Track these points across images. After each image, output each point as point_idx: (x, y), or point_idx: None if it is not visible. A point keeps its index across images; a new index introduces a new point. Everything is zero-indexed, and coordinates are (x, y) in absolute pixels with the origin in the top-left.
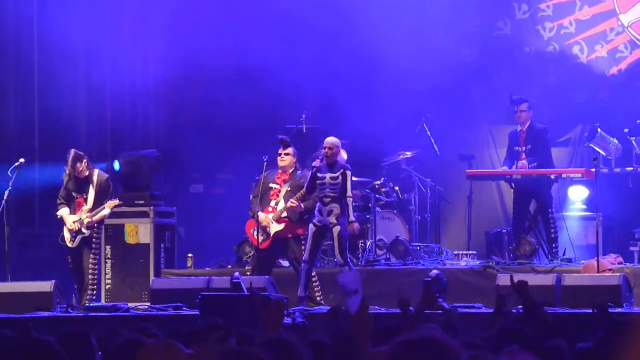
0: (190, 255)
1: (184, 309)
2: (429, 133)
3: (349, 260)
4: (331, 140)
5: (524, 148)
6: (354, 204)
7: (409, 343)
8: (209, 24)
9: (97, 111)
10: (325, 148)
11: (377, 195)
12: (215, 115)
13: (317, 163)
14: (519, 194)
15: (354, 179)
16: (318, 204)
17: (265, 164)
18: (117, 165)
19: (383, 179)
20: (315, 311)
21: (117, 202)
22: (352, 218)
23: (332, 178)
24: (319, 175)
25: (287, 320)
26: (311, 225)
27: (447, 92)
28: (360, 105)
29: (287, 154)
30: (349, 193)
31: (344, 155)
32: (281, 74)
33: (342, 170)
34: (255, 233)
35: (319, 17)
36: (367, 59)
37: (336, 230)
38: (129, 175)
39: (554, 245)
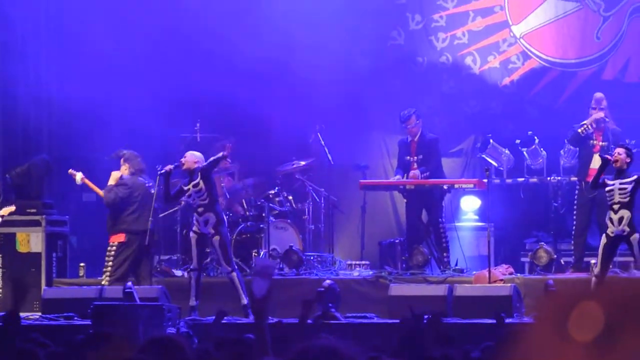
0: (82, 264)
1: (76, 318)
2: (322, 142)
3: (235, 265)
4: (188, 153)
5: (415, 158)
6: (248, 213)
7: (307, 351)
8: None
9: None
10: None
11: (270, 205)
12: (109, 123)
13: (168, 168)
14: (411, 204)
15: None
16: (194, 214)
17: (159, 175)
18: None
19: (277, 188)
20: (202, 321)
21: (12, 208)
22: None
23: (194, 185)
24: (183, 187)
25: (171, 330)
26: (192, 234)
27: (341, 100)
28: (255, 113)
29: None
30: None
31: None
32: (176, 79)
33: (199, 173)
34: None
35: (215, 23)
36: (261, 66)
37: (216, 240)
38: (20, 186)
39: (445, 255)
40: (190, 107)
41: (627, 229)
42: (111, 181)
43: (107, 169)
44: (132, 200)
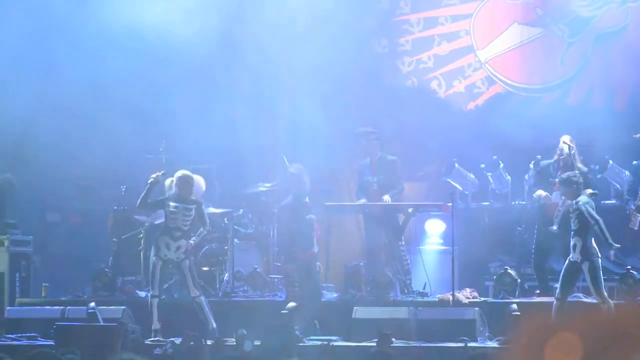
0: (45, 284)
1: (39, 338)
2: (288, 164)
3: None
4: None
5: (376, 178)
6: (213, 235)
7: None
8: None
9: None
10: None
11: (235, 226)
12: (73, 146)
13: (156, 175)
14: (369, 227)
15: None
16: (164, 237)
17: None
18: None
19: (242, 209)
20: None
21: None
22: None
23: (186, 209)
24: (169, 203)
25: (158, 351)
26: (156, 259)
27: (304, 123)
28: (219, 134)
29: None
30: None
31: (201, 183)
32: (136, 99)
33: (197, 204)
34: None
35: (196, 44)
36: (222, 86)
37: (186, 264)
38: None
39: (407, 277)
40: (156, 128)
41: (579, 256)
42: None
43: (65, 191)
44: None
